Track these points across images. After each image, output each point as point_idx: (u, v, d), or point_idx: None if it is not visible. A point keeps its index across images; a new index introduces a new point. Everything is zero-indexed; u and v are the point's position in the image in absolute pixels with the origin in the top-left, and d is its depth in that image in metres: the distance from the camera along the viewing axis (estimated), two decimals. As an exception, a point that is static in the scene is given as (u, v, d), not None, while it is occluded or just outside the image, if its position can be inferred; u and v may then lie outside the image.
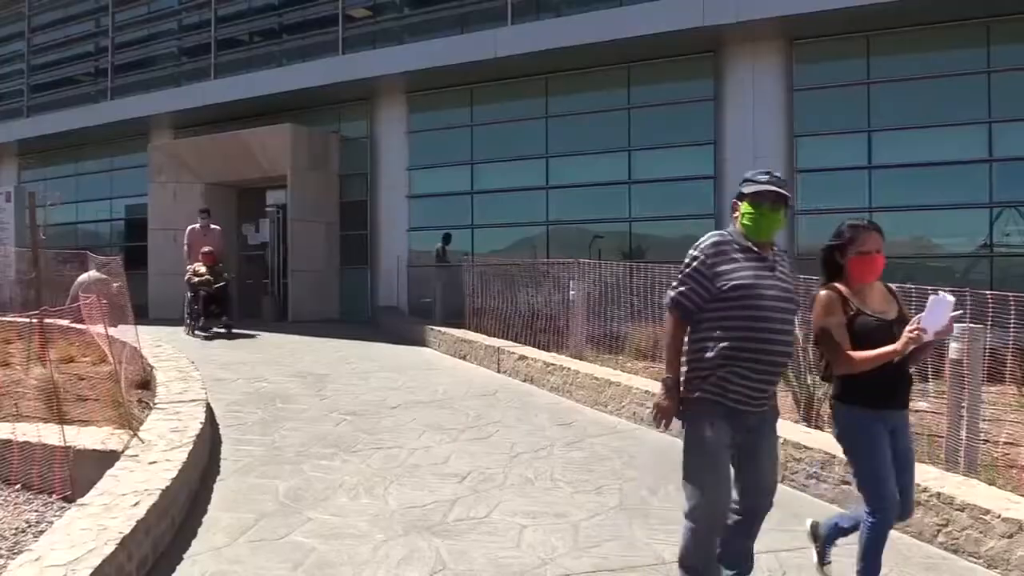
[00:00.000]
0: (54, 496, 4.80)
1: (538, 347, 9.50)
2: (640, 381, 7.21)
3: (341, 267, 16.87)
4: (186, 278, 13.58)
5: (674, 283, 3.27)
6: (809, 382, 6.01)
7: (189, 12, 19.31)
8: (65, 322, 8.89)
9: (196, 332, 13.09)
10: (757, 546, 3.99)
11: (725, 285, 3.10)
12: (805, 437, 5.14)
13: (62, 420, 5.21)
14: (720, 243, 3.21)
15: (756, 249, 3.20)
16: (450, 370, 9.74)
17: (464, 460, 5.57)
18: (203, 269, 13.36)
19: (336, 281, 16.84)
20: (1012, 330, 4.90)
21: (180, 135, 18.95)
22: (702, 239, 3.26)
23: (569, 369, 7.96)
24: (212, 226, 14.42)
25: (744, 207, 3.27)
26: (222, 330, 13.19)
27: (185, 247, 14.20)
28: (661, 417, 3.25)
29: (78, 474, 4.74)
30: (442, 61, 14.34)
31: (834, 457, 4.73)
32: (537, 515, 4.45)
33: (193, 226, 14.35)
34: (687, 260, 3.24)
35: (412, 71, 14.89)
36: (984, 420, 4.88)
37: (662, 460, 5.64)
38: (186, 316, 13.58)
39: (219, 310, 13.31)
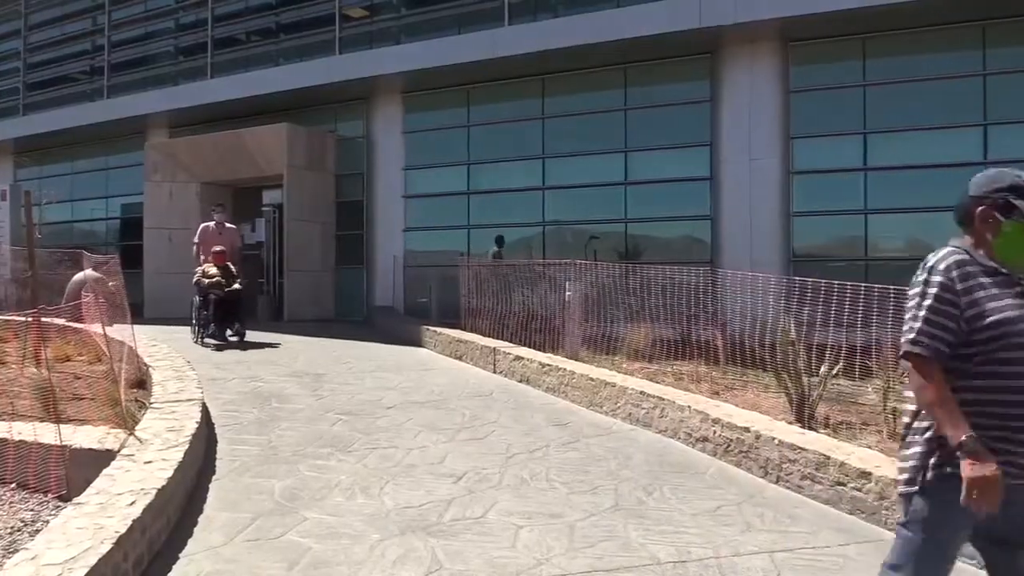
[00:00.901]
0: (50, 495, 4.79)
1: (534, 348, 9.51)
2: (635, 382, 7.22)
3: (337, 267, 16.86)
4: (195, 280, 12.20)
5: (912, 323, 2.47)
6: (804, 383, 6.03)
7: (186, 11, 19.29)
8: (61, 321, 8.88)
9: (205, 340, 11.70)
10: (749, 547, 4.02)
11: (982, 321, 2.37)
12: (799, 438, 5.15)
13: (58, 419, 5.21)
14: (963, 263, 2.51)
15: (1005, 271, 2.48)
16: (446, 370, 9.75)
17: (460, 460, 5.58)
18: (214, 271, 12.02)
19: (332, 281, 16.83)
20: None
21: (176, 134, 18.93)
22: (937, 258, 2.59)
23: (565, 370, 7.97)
24: (227, 224, 13.25)
25: (1014, 227, 2.46)
26: (234, 338, 11.88)
27: (195, 246, 13.01)
28: (990, 494, 2.25)
29: (74, 473, 4.74)
30: (439, 61, 14.34)
31: (828, 459, 4.75)
32: (533, 515, 4.46)
33: (207, 224, 13.21)
34: (924, 287, 2.50)
35: (409, 71, 14.89)
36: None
37: (657, 461, 5.66)
38: (193, 322, 12.19)
39: (231, 316, 11.92)
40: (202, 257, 12.62)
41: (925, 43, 11.59)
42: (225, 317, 11.79)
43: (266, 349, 11.45)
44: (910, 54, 11.70)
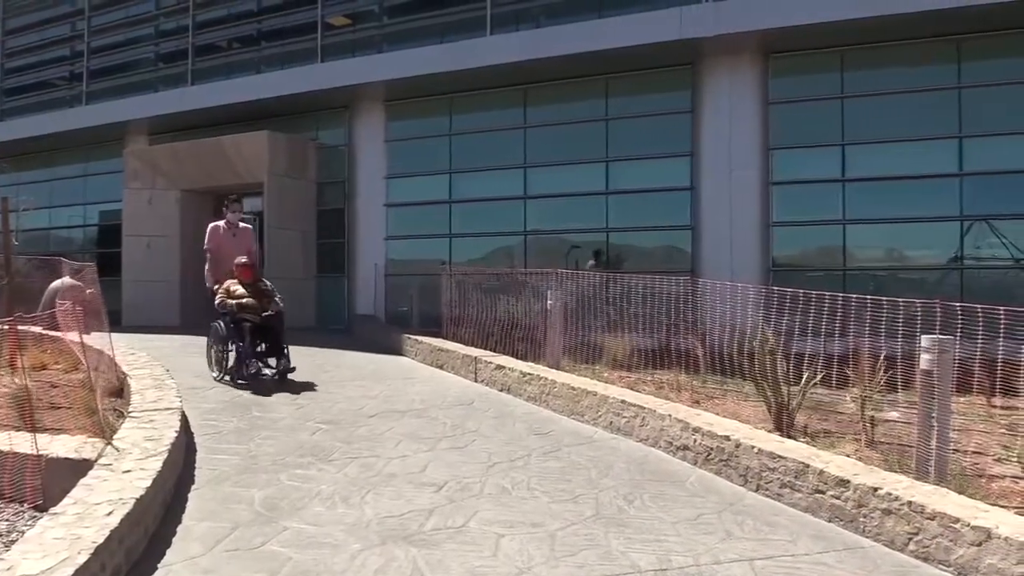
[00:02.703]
0: (26, 505, 4.74)
1: (515, 357, 9.51)
2: (616, 391, 7.24)
3: (318, 275, 16.82)
4: (217, 302, 9.24)
5: None
6: (783, 391, 6.07)
7: (167, 17, 19.21)
8: (38, 329, 8.78)
9: (240, 379, 8.85)
10: (730, 555, 4.04)
11: None
12: (779, 447, 5.18)
13: (34, 428, 5.15)
14: None
15: None
16: (427, 379, 9.73)
17: (441, 469, 5.57)
18: (241, 289, 9.22)
19: (313, 289, 16.78)
20: (981, 341, 4.99)
21: (156, 141, 18.84)
22: None
23: (546, 379, 7.98)
24: (242, 224, 10.25)
25: None
26: (269, 372, 8.97)
27: (207, 254, 10.02)
28: None
29: (50, 483, 4.69)
30: (421, 70, 14.37)
31: (807, 467, 4.78)
32: (514, 524, 4.46)
33: (216, 223, 10.15)
34: None
35: (391, 80, 14.91)
36: (953, 430, 4.96)
37: (638, 470, 5.67)
38: (213, 354, 9.40)
39: (274, 347, 9.08)
40: (208, 267, 9.93)
41: (902, 57, 11.76)
42: (268, 349, 9.11)
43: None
44: (887, 67, 11.87)
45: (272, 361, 8.99)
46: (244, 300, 9.07)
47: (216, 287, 9.44)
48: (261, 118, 16.75)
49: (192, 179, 17.14)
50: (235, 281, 9.29)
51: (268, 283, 9.63)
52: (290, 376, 8.99)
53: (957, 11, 10.61)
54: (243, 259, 9.38)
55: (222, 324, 9.18)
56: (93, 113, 19.12)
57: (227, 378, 8.94)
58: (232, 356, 9.05)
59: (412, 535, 4.27)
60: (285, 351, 8.97)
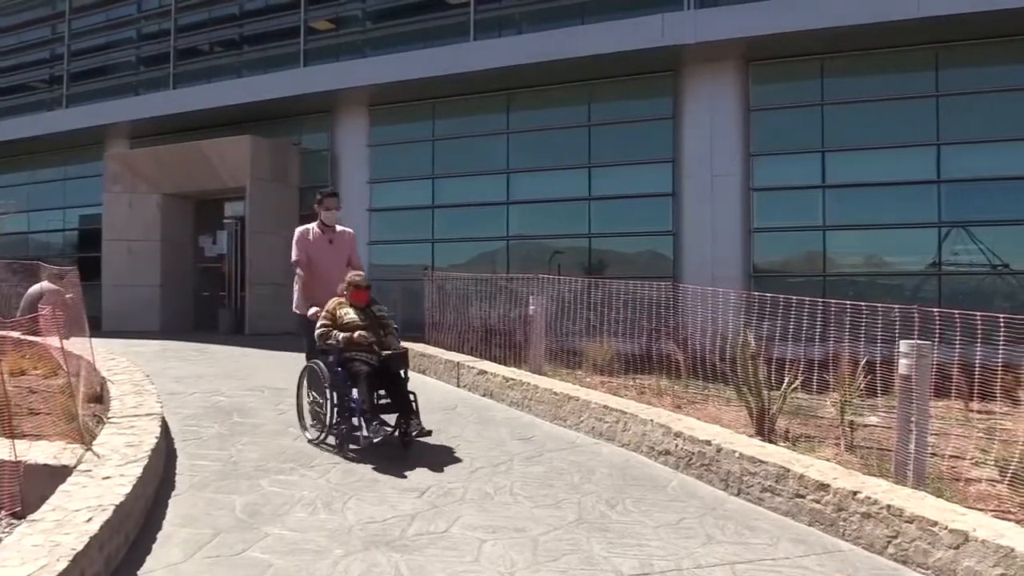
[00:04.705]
0: (3, 512, 4.70)
1: (498, 362, 9.51)
2: (599, 396, 7.26)
3: (301, 280, 16.71)
4: (318, 332, 6.54)
5: None
6: (764, 396, 6.11)
7: (149, 20, 19.09)
8: (17, 334, 8.71)
9: (354, 441, 6.13)
10: (711, 559, 4.07)
11: None
12: (760, 451, 5.22)
13: (12, 434, 5.10)
14: None
15: None
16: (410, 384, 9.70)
17: (423, 475, 5.57)
18: (353, 313, 6.53)
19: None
20: (958, 346, 5.05)
21: (137, 144, 18.70)
22: None
23: (528, 384, 7.99)
24: (340, 228, 7.54)
25: None
26: (388, 430, 6.19)
27: (295, 267, 7.36)
28: None
29: (29, 489, 4.65)
30: (404, 75, 14.37)
31: (788, 471, 4.82)
32: (496, 529, 4.46)
33: (305, 227, 7.42)
34: None
35: (374, 85, 14.89)
36: (932, 434, 5.01)
37: (620, 475, 5.70)
38: (309, 405, 6.78)
39: (398, 400, 6.31)
40: (297, 286, 7.34)
41: (881, 65, 11.89)
42: (389, 401, 6.33)
43: (227, 362, 11.26)
44: (867, 75, 11.98)
45: (391, 418, 6.30)
46: (357, 333, 6.35)
47: (313, 311, 6.82)
48: (243, 122, 16.69)
49: (173, 183, 17.03)
50: (343, 303, 6.63)
51: (383, 308, 6.94)
52: (273, 383, 8.82)
53: (935, 20, 10.73)
54: (358, 275, 6.75)
55: (323, 365, 6.44)
56: (73, 116, 18.95)
57: (330, 439, 6.33)
58: (331, 407, 6.28)
59: (394, 540, 4.26)
60: (414, 405, 6.27)
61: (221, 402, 8.18)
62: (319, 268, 7.16)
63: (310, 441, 6.46)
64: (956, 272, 11.64)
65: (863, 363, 5.95)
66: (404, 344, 7.05)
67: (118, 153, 18.36)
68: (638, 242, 13.79)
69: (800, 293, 6.92)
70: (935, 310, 5.27)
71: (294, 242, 7.29)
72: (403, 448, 6.20)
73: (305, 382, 6.90)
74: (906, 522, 4.05)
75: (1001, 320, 4.70)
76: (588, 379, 8.57)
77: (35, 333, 8.28)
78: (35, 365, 8.39)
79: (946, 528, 3.85)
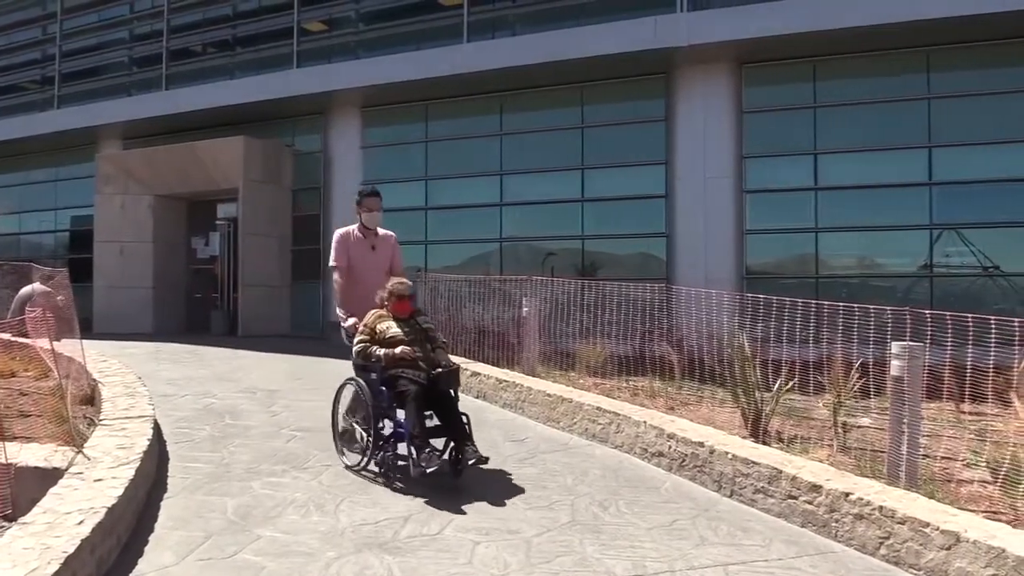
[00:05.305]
0: (-7, 515, 4.67)
1: (491, 364, 9.51)
2: (592, 397, 7.26)
3: (293, 282, 16.72)
4: (357, 347, 5.79)
5: None
6: (757, 397, 6.12)
7: (141, 21, 19.05)
8: (7, 336, 8.67)
9: (400, 471, 5.48)
10: (704, 560, 4.07)
11: None
12: (753, 452, 5.23)
13: (3, 436, 5.07)
14: None
15: None
16: (403, 386, 9.68)
17: (417, 476, 5.55)
18: (395, 329, 5.74)
19: (288, 296, 16.68)
20: (949, 348, 5.07)
21: (130, 145, 18.66)
22: None
23: (522, 386, 7.99)
24: (382, 231, 6.77)
25: None
26: (442, 459, 5.38)
27: (335, 273, 6.48)
28: None
29: (20, 492, 4.62)
30: (398, 77, 14.37)
31: (780, 473, 4.82)
32: (490, 531, 4.46)
33: (346, 230, 6.65)
34: None
35: (367, 86, 14.88)
36: (923, 435, 5.02)
37: (613, 476, 5.69)
38: (345, 424, 6.06)
39: (451, 424, 5.51)
40: (338, 293, 6.48)
41: (873, 67, 11.93)
42: (438, 425, 5.57)
43: (219, 365, 11.23)
44: (859, 78, 12.03)
45: (439, 443, 5.52)
46: (400, 348, 5.59)
47: (352, 323, 6.08)
48: (236, 123, 16.66)
49: (166, 184, 16.99)
50: (383, 315, 5.87)
51: (428, 319, 6.26)
52: (266, 385, 8.81)
53: (926, 23, 10.78)
54: (400, 283, 5.91)
55: (365, 384, 5.72)
56: (65, 117, 18.89)
57: (374, 468, 5.55)
58: (374, 431, 5.54)
59: (387, 542, 4.26)
60: (467, 429, 5.49)
61: (213, 404, 8.16)
62: (359, 275, 6.39)
63: (348, 467, 5.72)
64: (948, 274, 11.68)
65: (856, 365, 5.96)
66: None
67: (110, 154, 18.31)
68: (631, 244, 13.81)
69: (793, 295, 6.94)
70: (927, 312, 5.28)
71: (334, 245, 6.54)
72: (454, 477, 5.37)
73: (342, 401, 6.10)
74: (898, 523, 4.06)
75: (992, 322, 4.72)
76: (581, 381, 8.57)
77: (25, 335, 8.24)
78: (26, 367, 8.35)
79: (938, 529, 3.86)
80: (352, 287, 6.36)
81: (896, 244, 12.00)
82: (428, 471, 5.07)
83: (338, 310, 6.38)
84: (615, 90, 13.64)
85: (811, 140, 12.29)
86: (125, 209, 17.19)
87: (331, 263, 6.51)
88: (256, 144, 15.98)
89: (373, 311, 5.90)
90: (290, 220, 16.77)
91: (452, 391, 5.60)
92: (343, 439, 6.03)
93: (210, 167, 16.01)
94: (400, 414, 5.45)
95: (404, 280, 6.01)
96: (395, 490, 5.21)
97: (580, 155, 13.87)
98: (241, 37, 17.49)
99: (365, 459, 5.59)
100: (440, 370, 5.54)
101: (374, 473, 5.51)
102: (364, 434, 5.69)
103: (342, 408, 6.09)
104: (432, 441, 5.37)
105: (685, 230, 12.89)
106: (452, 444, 5.47)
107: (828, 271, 12.35)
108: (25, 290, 11.59)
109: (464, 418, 5.50)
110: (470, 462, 5.25)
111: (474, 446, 5.37)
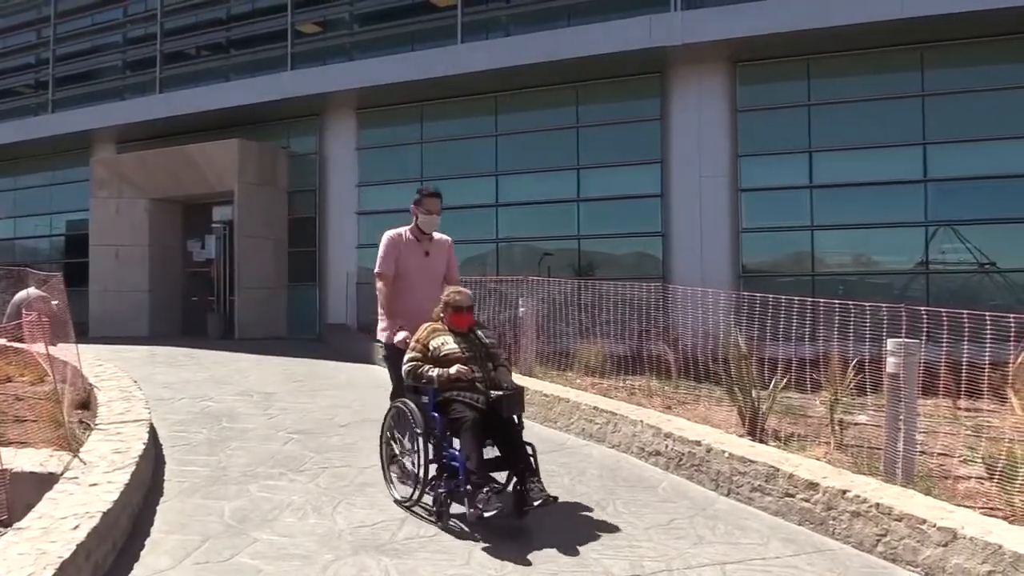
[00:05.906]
0: (-11, 520, 4.65)
1: (488, 364, 9.49)
2: (589, 397, 7.26)
3: (289, 284, 16.70)
4: (406, 367, 4.96)
5: None
6: (754, 396, 6.12)
7: (135, 24, 19.01)
8: (3, 341, 8.64)
9: (455, 513, 4.62)
10: (702, 559, 4.07)
11: None
12: (750, 451, 5.23)
13: (-2, 442, 5.06)
14: None
15: None
16: (400, 387, 9.68)
17: (414, 478, 5.54)
18: (452, 343, 4.97)
19: (284, 298, 16.66)
20: (945, 345, 5.07)
21: (124, 149, 18.62)
22: None
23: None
24: (438, 236, 5.83)
25: None
26: (501, 501, 4.40)
27: (378, 280, 5.58)
28: None
29: (15, 497, 4.60)
30: (392, 78, 14.36)
31: (777, 471, 4.82)
32: (487, 532, 4.44)
33: (396, 232, 5.68)
34: None
35: (362, 88, 14.87)
36: (920, 432, 5.03)
37: (611, 476, 5.69)
38: (392, 453, 5.25)
39: (506, 454, 4.74)
40: (382, 304, 5.55)
41: (867, 65, 11.94)
42: (500, 456, 4.78)
43: (216, 367, 11.21)
44: (853, 75, 12.04)
45: (501, 476, 4.80)
46: (456, 368, 4.83)
47: (402, 337, 5.21)
48: (231, 126, 16.62)
49: (161, 188, 16.96)
50: (438, 329, 5.09)
51: (490, 333, 5.39)
52: (263, 388, 8.80)
53: (919, 21, 10.80)
54: (459, 293, 5.16)
55: (416, 410, 4.95)
56: (59, 121, 18.86)
57: (431, 505, 4.75)
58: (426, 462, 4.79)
59: (384, 544, 4.25)
60: (533, 461, 4.72)
61: (210, 407, 8.15)
62: (411, 285, 5.55)
63: (397, 501, 4.98)
64: (943, 271, 11.70)
65: (852, 362, 5.96)
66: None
67: (105, 158, 18.29)
68: (627, 243, 13.81)
69: (789, 293, 6.94)
70: (923, 308, 5.29)
71: (382, 249, 5.58)
72: (517, 518, 4.58)
73: (390, 427, 5.29)
74: (895, 520, 4.06)
75: (988, 318, 4.72)
76: (578, 380, 8.57)
77: (20, 339, 8.22)
78: (21, 372, 8.32)
79: (935, 526, 3.86)
80: (401, 297, 5.51)
81: (892, 241, 12.01)
82: (486, 515, 4.28)
83: (380, 323, 5.57)
84: (609, 90, 13.64)
85: (806, 138, 12.30)
86: (120, 213, 17.16)
87: (376, 269, 5.59)
88: (251, 146, 15.96)
89: (426, 324, 5.12)
90: (286, 222, 16.74)
91: (515, 417, 4.80)
92: (392, 468, 5.29)
93: (205, 170, 15.99)
94: (456, 443, 4.71)
95: (462, 289, 5.28)
96: (449, 531, 4.49)
97: (575, 155, 13.86)
98: (235, 40, 17.46)
99: (417, 493, 4.82)
100: (501, 393, 4.76)
101: (426, 510, 4.76)
102: (414, 465, 4.90)
103: (389, 435, 5.30)
104: (493, 474, 4.69)
105: (681, 229, 12.90)
106: (515, 479, 4.68)
107: (824, 269, 12.36)
108: (20, 295, 11.55)
109: (529, 448, 4.73)
110: (536, 503, 4.43)
111: (541, 483, 4.57)
